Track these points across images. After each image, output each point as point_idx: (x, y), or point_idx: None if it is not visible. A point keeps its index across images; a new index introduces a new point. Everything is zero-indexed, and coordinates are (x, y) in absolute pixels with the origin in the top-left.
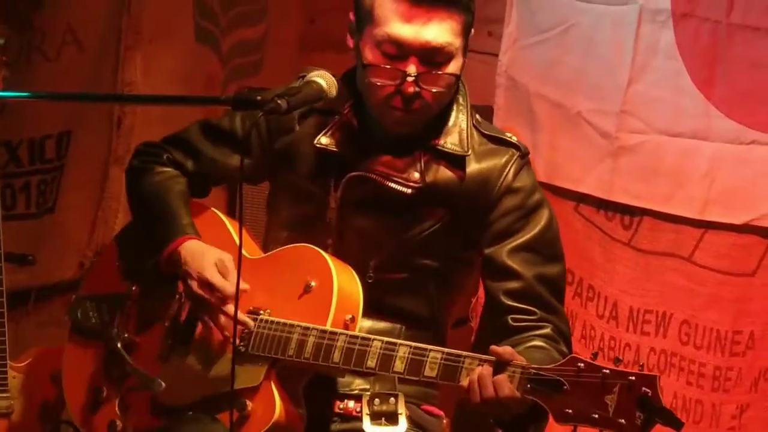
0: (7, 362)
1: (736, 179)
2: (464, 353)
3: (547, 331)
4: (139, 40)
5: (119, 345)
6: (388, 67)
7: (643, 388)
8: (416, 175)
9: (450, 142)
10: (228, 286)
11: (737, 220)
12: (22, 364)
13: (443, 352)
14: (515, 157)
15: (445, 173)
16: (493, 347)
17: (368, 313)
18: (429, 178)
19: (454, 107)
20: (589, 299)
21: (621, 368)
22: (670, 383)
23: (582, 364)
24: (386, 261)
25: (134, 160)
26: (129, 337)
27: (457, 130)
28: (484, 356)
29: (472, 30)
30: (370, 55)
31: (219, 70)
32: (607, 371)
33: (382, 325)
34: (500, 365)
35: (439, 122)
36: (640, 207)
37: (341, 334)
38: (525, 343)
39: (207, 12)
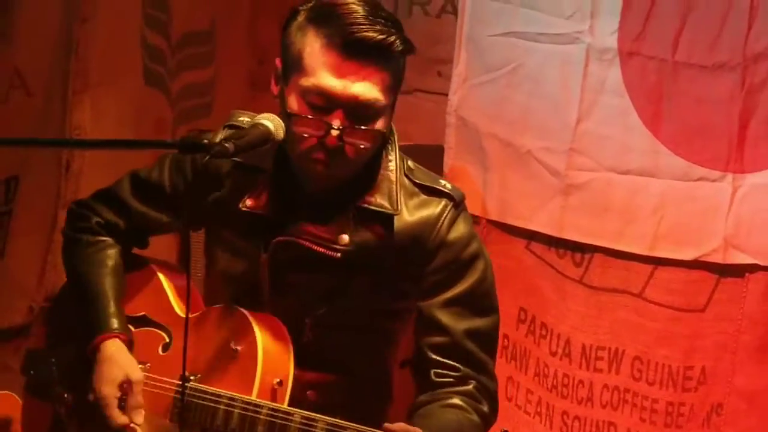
0: None
1: (684, 216)
2: (373, 431)
3: (469, 388)
4: (87, 83)
5: (62, 409)
6: (313, 118)
7: None
8: (345, 237)
9: (379, 199)
10: (117, 421)
11: (687, 256)
12: None
13: (355, 430)
14: (449, 208)
15: (374, 232)
16: (386, 425)
17: (311, 367)
18: (358, 239)
19: (383, 159)
20: (542, 336)
21: None
22: (623, 420)
23: None
24: (322, 319)
25: (66, 227)
26: (71, 400)
27: (387, 185)
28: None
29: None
30: (295, 104)
31: (169, 113)
32: None
33: (325, 378)
34: None
35: (367, 177)
36: (590, 244)
37: (264, 406)
38: (443, 400)
39: (156, 55)
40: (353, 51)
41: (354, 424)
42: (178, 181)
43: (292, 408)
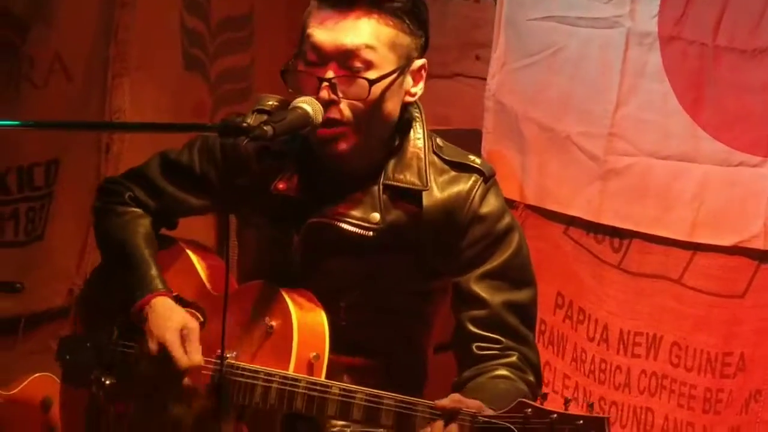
0: None
1: (724, 201)
2: (419, 401)
3: (512, 359)
4: (126, 67)
5: (100, 392)
6: (303, 70)
7: None
8: (376, 216)
9: (408, 176)
10: (185, 361)
11: (726, 242)
12: (12, 392)
13: (396, 400)
14: (479, 182)
15: (405, 210)
16: (438, 402)
17: (346, 352)
18: (389, 217)
19: (411, 138)
20: (580, 322)
21: (570, 411)
22: (661, 406)
23: (530, 410)
24: (356, 302)
25: (97, 201)
26: (110, 383)
27: (416, 162)
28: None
29: (416, 62)
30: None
31: (208, 97)
32: (555, 416)
33: (360, 361)
34: (451, 414)
35: (395, 156)
36: (629, 229)
37: (302, 380)
38: (489, 372)
39: (196, 39)
40: (340, 1)
41: (393, 394)
42: (208, 164)
43: (330, 381)
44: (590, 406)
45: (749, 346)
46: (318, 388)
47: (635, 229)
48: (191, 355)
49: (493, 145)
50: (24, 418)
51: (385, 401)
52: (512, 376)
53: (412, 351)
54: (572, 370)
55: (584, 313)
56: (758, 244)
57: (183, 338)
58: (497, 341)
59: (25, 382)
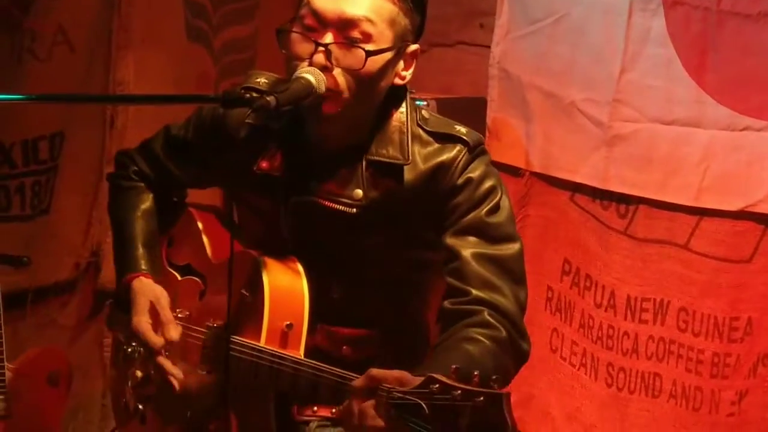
0: (4, 364)
1: (730, 166)
2: (350, 374)
3: (481, 317)
4: (130, 39)
5: (121, 360)
6: (300, 33)
7: (491, 410)
8: (359, 192)
9: (391, 151)
10: (155, 341)
11: (732, 207)
12: (19, 365)
13: (330, 373)
14: (463, 152)
15: (388, 185)
16: (354, 382)
17: (343, 323)
18: (371, 193)
19: (394, 112)
20: (587, 288)
21: (473, 387)
22: (669, 371)
23: (437, 386)
24: (347, 276)
25: (110, 174)
26: (127, 349)
27: (397, 136)
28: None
29: (410, 46)
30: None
31: (211, 68)
32: (458, 392)
33: (358, 332)
34: (369, 389)
35: (377, 131)
36: (635, 195)
37: (266, 352)
38: (458, 333)
39: (198, 10)
40: None
41: (330, 368)
42: (200, 139)
43: (288, 353)
44: (494, 380)
45: (756, 310)
46: (277, 360)
47: (641, 195)
48: (162, 328)
49: (498, 113)
50: (31, 390)
51: (324, 376)
52: (478, 336)
53: (409, 320)
54: (580, 337)
55: (591, 280)
56: (764, 209)
57: (154, 317)
58: (466, 293)
59: (33, 355)
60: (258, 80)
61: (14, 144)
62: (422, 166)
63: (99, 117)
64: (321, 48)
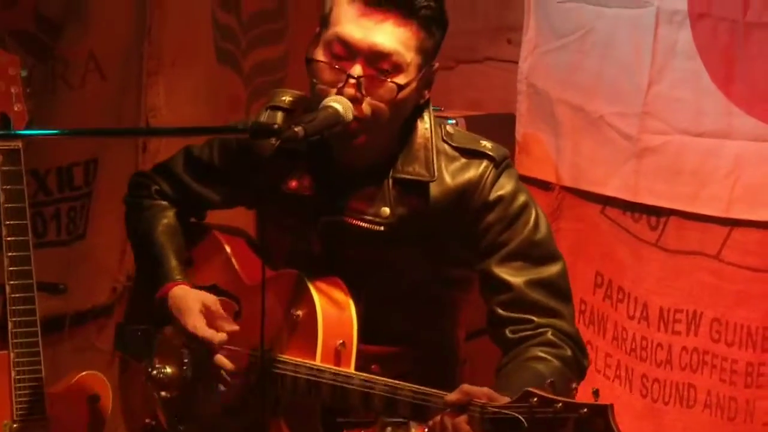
0: (43, 389)
1: (759, 176)
2: (434, 392)
3: (545, 337)
4: (160, 65)
5: (149, 382)
6: (331, 63)
7: (597, 420)
8: (386, 210)
9: (417, 168)
10: (215, 337)
11: (763, 217)
12: (59, 390)
13: (412, 391)
14: (490, 168)
15: (415, 202)
16: (446, 397)
17: (372, 341)
18: (399, 211)
19: (418, 128)
20: (620, 300)
21: (576, 400)
22: (703, 381)
23: (535, 399)
24: (375, 291)
25: (127, 195)
26: (159, 369)
27: (423, 153)
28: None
29: (436, 64)
30: (320, 55)
31: (242, 91)
32: (560, 405)
33: (387, 350)
34: (460, 407)
35: (403, 148)
36: (665, 207)
37: (327, 370)
38: (521, 356)
39: (227, 33)
40: (376, 1)
41: (411, 386)
42: (226, 161)
43: (352, 371)
44: (594, 392)
45: None
46: (341, 378)
47: (671, 206)
48: (221, 328)
49: (528, 128)
50: (71, 415)
51: (401, 392)
52: (545, 356)
53: (438, 336)
54: (614, 349)
55: (623, 292)
56: None
57: (207, 316)
58: (529, 321)
59: (73, 380)
60: (283, 98)
61: (49, 171)
62: (449, 182)
63: (132, 142)
64: (352, 80)
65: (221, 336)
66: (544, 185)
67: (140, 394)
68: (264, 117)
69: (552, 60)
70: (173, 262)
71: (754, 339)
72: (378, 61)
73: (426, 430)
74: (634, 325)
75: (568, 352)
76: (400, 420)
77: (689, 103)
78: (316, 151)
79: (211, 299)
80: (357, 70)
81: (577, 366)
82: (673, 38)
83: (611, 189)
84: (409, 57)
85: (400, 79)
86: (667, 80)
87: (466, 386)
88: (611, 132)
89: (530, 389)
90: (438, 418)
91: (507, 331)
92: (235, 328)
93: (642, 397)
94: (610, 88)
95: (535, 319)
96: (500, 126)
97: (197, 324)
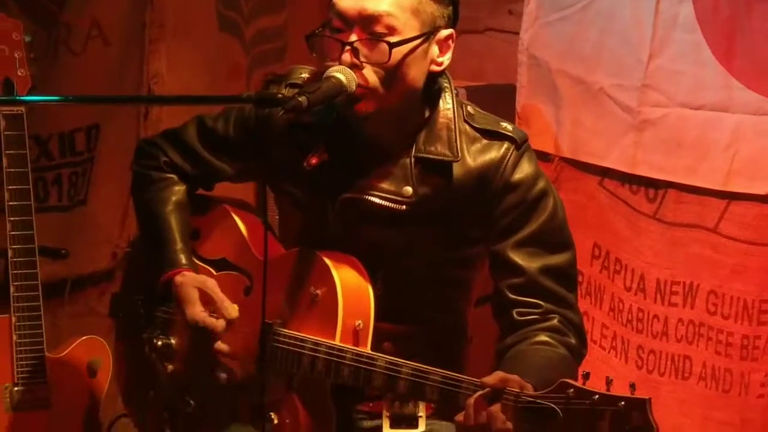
0: (44, 353)
1: (758, 150)
2: (465, 378)
3: (553, 323)
4: (163, 32)
5: (153, 354)
6: (327, 35)
7: (635, 414)
8: (409, 189)
9: (439, 147)
10: (216, 325)
11: (761, 191)
12: (60, 355)
13: (442, 376)
14: (511, 150)
15: (437, 182)
16: (484, 379)
17: (386, 319)
18: (422, 190)
19: (440, 107)
20: (617, 272)
21: (612, 392)
22: (699, 353)
23: (572, 390)
24: (392, 271)
25: (135, 163)
26: (165, 341)
27: (446, 133)
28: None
29: (442, 31)
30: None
31: (243, 58)
32: (597, 397)
33: (400, 329)
34: (496, 392)
35: (425, 127)
36: (664, 180)
37: (348, 351)
38: (529, 338)
39: (230, 1)
40: None
41: (438, 370)
42: (243, 134)
43: (376, 353)
44: (632, 386)
45: None
46: (365, 360)
47: (670, 179)
48: (221, 312)
49: (528, 99)
50: (71, 380)
51: (431, 377)
52: (551, 341)
53: (451, 316)
54: (610, 320)
55: (621, 264)
56: None
57: (208, 302)
58: (537, 306)
59: (73, 345)
60: (301, 75)
61: (51, 136)
62: (471, 163)
63: (133, 109)
64: (347, 47)
65: (221, 324)
66: (544, 156)
67: (137, 364)
68: (285, 93)
69: (553, 31)
70: (179, 245)
71: (750, 312)
72: (371, 25)
73: (455, 418)
74: (630, 297)
75: (573, 341)
76: None
77: (689, 76)
78: (336, 128)
79: (210, 283)
80: (351, 37)
81: (579, 355)
82: (674, 11)
83: (610, 161)
84: (403, 17)
85: (393, 39)
86: (667, 53)
87: (501, 373)
88: (611, 104)
89: (566, 380)
90: (470, 408)
91: (514, 313)
92: (235, 315)
93: (637, 368)
94: (611, 60)
95: (543, 304)
96: (501, 96)
97: (197, 313)
